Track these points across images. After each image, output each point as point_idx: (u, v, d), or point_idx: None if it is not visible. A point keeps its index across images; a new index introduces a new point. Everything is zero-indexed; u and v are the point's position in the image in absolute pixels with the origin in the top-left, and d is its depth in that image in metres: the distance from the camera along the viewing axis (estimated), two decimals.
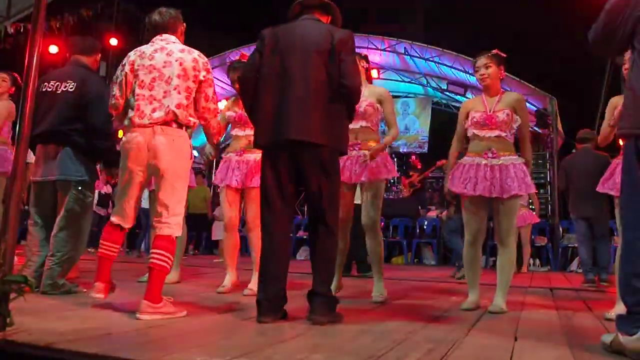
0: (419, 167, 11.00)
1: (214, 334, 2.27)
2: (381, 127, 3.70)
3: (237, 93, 3.53)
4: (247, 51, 2.93)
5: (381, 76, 11.54)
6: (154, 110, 2.57)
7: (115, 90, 2.70)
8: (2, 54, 8.34)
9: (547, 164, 10.02)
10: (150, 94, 2.59)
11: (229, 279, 3.73)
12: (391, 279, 3.71)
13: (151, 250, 2.55)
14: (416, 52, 10.81)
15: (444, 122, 11.30)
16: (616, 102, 3.25)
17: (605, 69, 9.66)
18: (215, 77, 10.83)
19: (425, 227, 9.34)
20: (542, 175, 10.00)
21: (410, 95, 12.82)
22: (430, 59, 10.85)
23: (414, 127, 12.52)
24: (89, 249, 7.30)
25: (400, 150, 12.29)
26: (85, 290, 3.20)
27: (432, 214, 9.32)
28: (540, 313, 3.18)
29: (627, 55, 2.45)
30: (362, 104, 3.35)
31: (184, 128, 2.63)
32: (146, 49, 2.70)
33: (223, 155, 3.82)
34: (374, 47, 10.84)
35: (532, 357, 1.95)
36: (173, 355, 1.73)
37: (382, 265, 3.56)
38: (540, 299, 3.89)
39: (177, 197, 2.60)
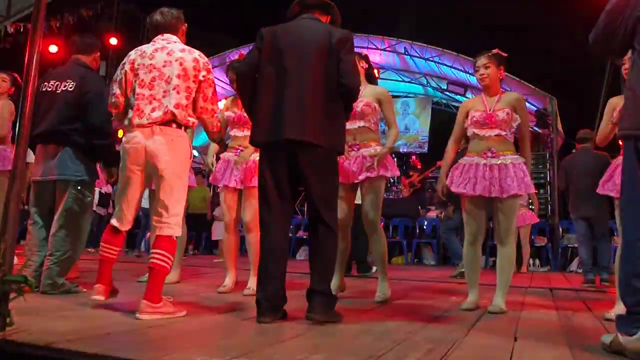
0: (419, 167, 11.01)
1: (214, 334, 2.27)
2: (381, 126, 3.70)
3: (235, 93, 3.53)
4: (247, 51, 2.92)
5: (381, 76, 11.53)
6: (153, 110, 2.57)
7: (116, 89, 2.70)
8: (2, 54, 8.35)
9: (547, 164, 10.02)
10: (150, 94, 2.59)
11: (229, 279, 3.74)
12: (391, 279, 3.70)
13: (151, 250, 2.55)
14: (416, 52, 10.82)
15: (444, 122, 11.29)
16: (615, 103, 3.25)
17: (605, 69, 9.66)
18: (215, 77, 10.87)
19: (425, 227, 9.35)
20: (542, 175, 10.00)
21: (410, 95, 12.82)
22: (430, 59, 10.85)
23: (414, 127, 12.52)
24: (89, 249, 7.31)
25: (400, 150, 12.29)
26: (85, 290, 3.20)
27: (432, 214, 9.32)
28: (540, 313, 3.18)
29: (627, 55, 2.44)
30: (359, 104, 3.34)
31: (183, 128, 2.63)
32: (147, 48, 2.70)
33: (221, 156, 3.82)
34: (374, 47, 10.85)
35: (532, 357, 1.95)
36: (173, 355, 1.73)
37: (385, 265, 3.54)
38: (540, 299, 3.89)
39: (176, 197, 2.60)
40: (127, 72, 2.67)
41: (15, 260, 3.09)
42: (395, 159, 3.55)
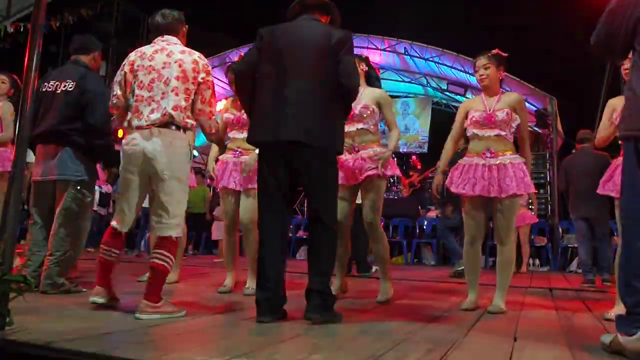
0: (419, 167, 11.00)
1: (214, 334, 2.27)
2: (381, 126, 3.69)
3: (235, 94, 3.53)
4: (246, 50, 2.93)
5: (381, 76, 11.49)
6: (152, 112, 2.56)
7: (117, 90, 2.70)
8: (2, 54, 8.35)
9: (547, 164, 10.01)
10: (149, 95, 2.59)
11: (230, 280, 3.74)
12: (391, 279, 3.70)
13: (153, 250, 2.55)
14: (416, 52, 10.81)
15: (444, 122, 11.25)
16: (614, 104, 3.25)
17: (605, 69, 9.65)
18: (215, 77, 10.84)
19: (425, 227, 9.35)
20: (542, 175, 9.99)
21: (410, 95, 12.82)
22: (430, 59, 10.84)
23: (413, 127, 12.52)
24: (89, 249, 7.31)
25: (400, 151, 12.28)
26: (85, 289, 3.21)
27: (432, 214, 9.32)
28: (540, 313, 3.18)
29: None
30: (357, 107, 3.34)
31: (182, 129, 2.62)
32: (147, 49, 2.70)
33: (220, 157, 3.81)
34: (374, 47, 10.84)
35: (532, 357, 1.95)
36: (172, 355, 1.73)
37: (386, 266, 3.53)
38: (539, 299, 3.89)
39: (176, 198, 2.59)
40: (126, 73, 2.67)
41: (17, 262, 3.11)
42: (395, 159, 3.54)
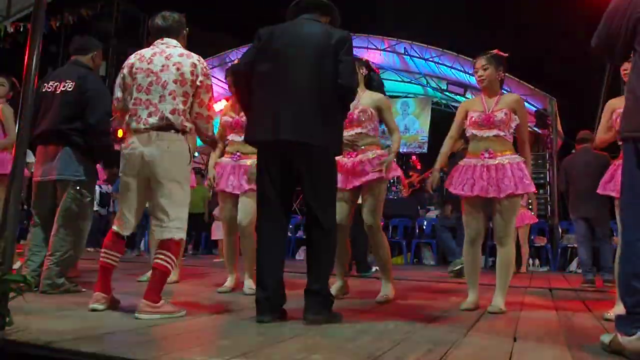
0: (419, 167, 11.00)
1: (214, 334, 2.27)
2: (381, 126, 3.69)
3: (233, 95, 3.52)
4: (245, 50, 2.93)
5: (381, 76, 11.50)
6: (149, 115, 2.56)
7: (117, 93, 2.70)
8: (2, 54, 8.35)
9: (547, 165, 10.01)
10: (147, 98, 2.59)
11: (231, 281, 3.75)
12: None
13: (156, 251, 2.55)
14: (416, 52, 10.81)
15: (444, 122, 11.24)
16: (613, 105, 3.25)
17: (605, 69, 9.65)
18: (215, 77, 10.84)
19: (424, 227, 9.35)
20: (542, 175, 9.98)
21: (410, 95, 12.82)
22: (430, 59, 10.84)
23: (413, 127, 12.52)
24: (88, 249, 7.31)
25: (400, 151, 12.25)
26: (84, 289, 3.21)
27: (432, 214, 9.32)
28: (540, 313, 3.18)
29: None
30: (355, 111, 3.35)
31: (180, 133, 2.61)
32: (146, 52, 2.69)
33: (218, 161, 3.80)
34: (374, 47, 10.84)
35: (531, 357, 1.95)
36: (172, 355, 1.73)
37: (388, 267, 3.53)
38: (539, 299, 3.89)
39: (177, 202, 2.59)
40: (125, 76, 2.67)
41: (18, 264, 3.11)
42: (395, 160, 3.53)
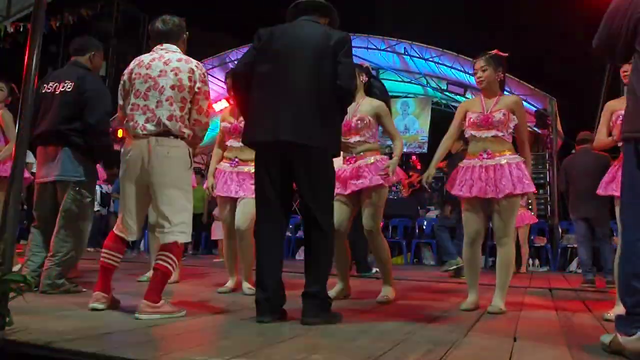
0: (419, 167, 10.99)
1: (214, 334, 2.27)
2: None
3: (231, 98, 3.51)
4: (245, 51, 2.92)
5: (381, 76, 11.52)
6: (147, 121, 2.56)
7: (120, 100, 2.71)
8: (2, 54, 8.35)
9: (547, 165, 10.01)
10: (145, 104, 2.58)
11: (231, 283, 3.75)
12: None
13: (158, 252, 2.55)
14: (416, 52, 10.80)
15: (444, 122, 11.22)
16: (612, 107, 3.25)
17: (605, 69, 9.65)
18: (215, 77, 10.83)
19: (424, 227, 9.35)
20: (542, 175, 9.99)
21: (409, 95, 12.81)
22: (430, 59, 10.83)
23: (413, 127, 12.52)
24: (88, 249, 7.30)
25: None
26: (84, 289, 3.21)
27: (432, 214, 9.32)
28: (540, 313, 3.18)
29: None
30: (353, 119, 3.36)
31: (179, 138, 2.60)
32: (145, 57, 2.68)
33: (217, 166, 3.79)
34: (374, 47, 10.83)
35: (531, 358, 1.95)
36: (172, 355, 1.73)
37: (388, 268, 3.52)
38: (539, 300, 3.90)
39: (177, 207, 2.58)
40: (125, 82, 2.68)
41: (18, 266, 3.10)
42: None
